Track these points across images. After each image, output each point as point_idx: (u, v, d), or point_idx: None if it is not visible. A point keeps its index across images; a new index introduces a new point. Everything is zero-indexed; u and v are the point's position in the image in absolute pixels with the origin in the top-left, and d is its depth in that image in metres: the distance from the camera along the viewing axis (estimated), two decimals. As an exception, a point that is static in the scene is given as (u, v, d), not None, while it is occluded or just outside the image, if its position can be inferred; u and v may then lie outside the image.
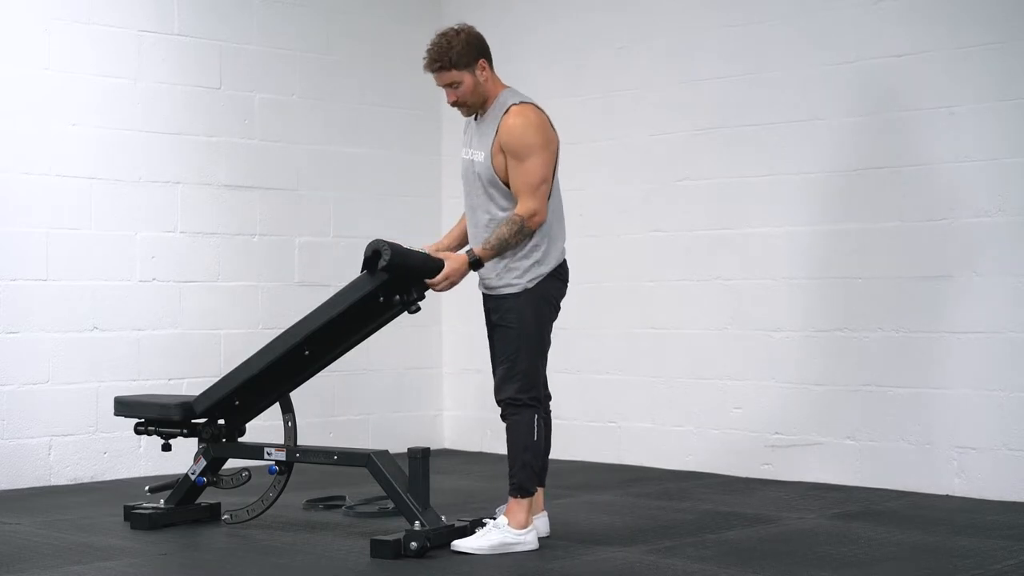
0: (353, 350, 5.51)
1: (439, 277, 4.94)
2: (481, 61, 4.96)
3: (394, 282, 5.03)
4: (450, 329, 8.20)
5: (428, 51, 4.99)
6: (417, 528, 4.91)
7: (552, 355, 5.11)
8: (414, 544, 4.80)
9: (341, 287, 5.29)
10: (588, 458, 7.37)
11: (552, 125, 5.02)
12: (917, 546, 5.01)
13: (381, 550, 4.82)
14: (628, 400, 7.35)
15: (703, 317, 7.12)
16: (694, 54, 7.17)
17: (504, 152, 4.91)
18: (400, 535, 4.85)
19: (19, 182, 6.68)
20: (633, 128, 7.43)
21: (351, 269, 5.46)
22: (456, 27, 5.01)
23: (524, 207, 4.86)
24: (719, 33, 7.07)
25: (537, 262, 4.95)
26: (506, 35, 8.03)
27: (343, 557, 4.87)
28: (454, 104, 5.03)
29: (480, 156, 4.98)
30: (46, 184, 6.75)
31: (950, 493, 6.20)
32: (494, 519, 4.98)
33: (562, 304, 5.11)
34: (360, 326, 5.32)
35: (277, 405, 5.53)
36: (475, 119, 5.07)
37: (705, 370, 7.11)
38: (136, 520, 5.48)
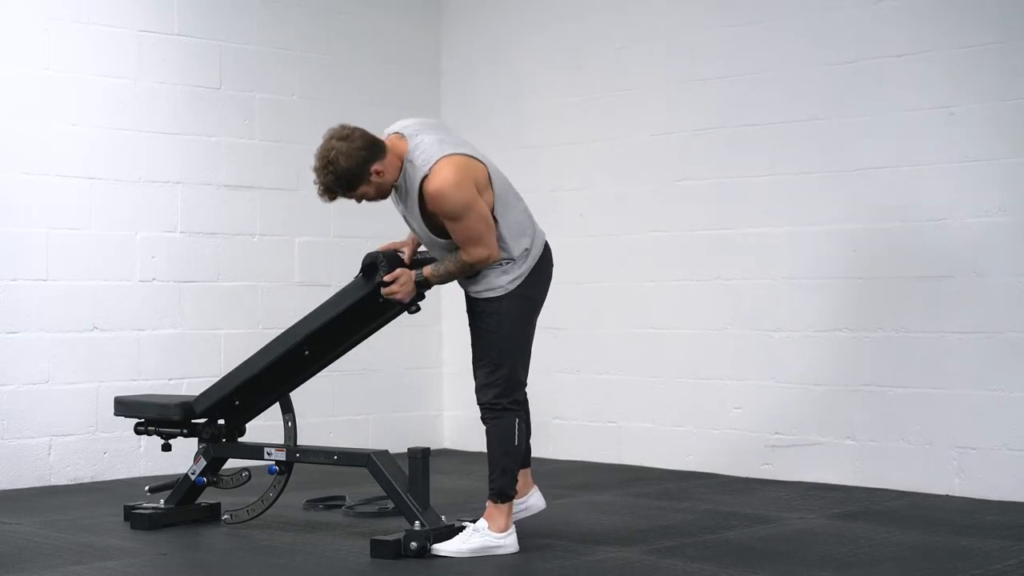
0: (353, 350, 5.52)
1: (391, 287, 4.92)
2: (373, 167, 4.77)
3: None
4: (450, 329, 8.19)
5: (317, 184, 4.80)
6: (417, 528, 4.91)
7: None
8: (414, 544, 4.80)
9: (341, 287, 5.29)
10: (588, 458, 7.37)
11: (469, 157, 4.81)
12: (917, 546, 5.01)
13: (381, 550, 4.82)
14: (628, 400, 7.35)
15: (703, 317, 7.11)
16: (694, 54, 7.17)
17: (438, 215, 4.81)
18: (400, 535, 4.85)
19: (19, 182, 6.68)
20: (633, 128, 7.43)
21: (351, 269, 5.45)
22: (332, 151, 4.75)
23: (471, 255, 4.79)
24: (719, 33, 7.07)
25: (514, 269, 4.89)
26: (505, 35, 8.04)
27: (343, 557, 4.87)
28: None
29: (415, 224, 4.90)
30: (46, 184, 6.75)
31: (950, 493, 6.20)
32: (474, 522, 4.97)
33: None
34: (360, 326, 5.32)
35: (277, 405, 5.53)
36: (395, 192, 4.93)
37: (705, 370, 7.11)
38: (136, 520, 5.48)
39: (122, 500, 5.87)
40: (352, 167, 4.74)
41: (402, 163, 4.83)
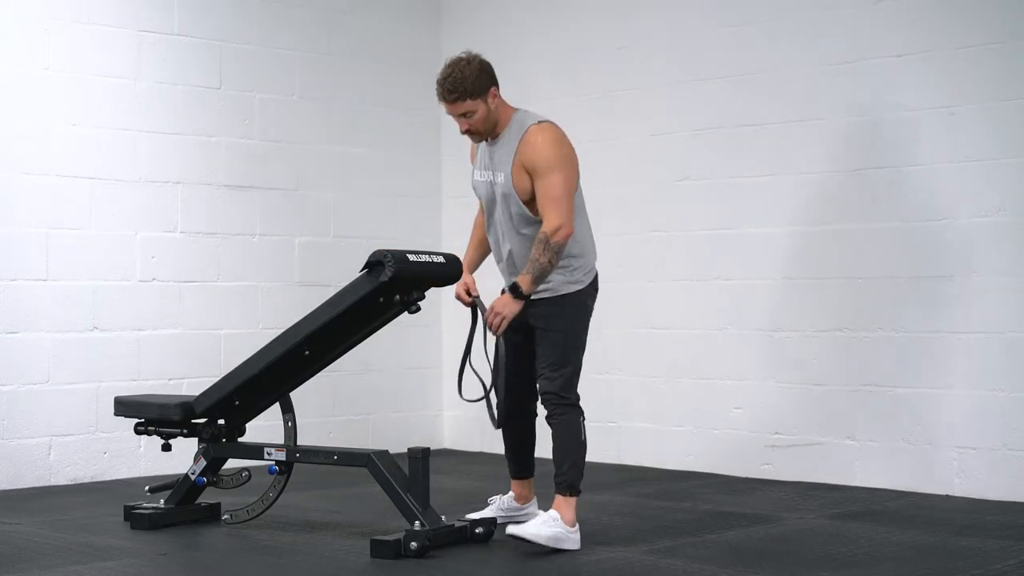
0: (353, 350, 5.52)
1: (494, 316, 4.98)
2: (492, 89, 5.03)
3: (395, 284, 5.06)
4: (450, 329, 8.19)
5: (441, 82, 5.05)
6: (417, 528, 4.91)
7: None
8: (414, 544, 4.80)
9: (341, 287, 5.30)
10: (588, 458, 7.36)
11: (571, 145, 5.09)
12: (917, 546, 5.02)
13: (381, 550, 4.82)
14: (628, 400, 7.36)
15: (703, 317, 7.11)
16: (694, 54, 7.17)
17: (526, 170, 4.98)
18: (400, 535, 4.85)
19: (19, 182, 6.68)
20: (633, 128, 7.43)
21: (351, 269, 5.46)
22: (466, 56, 5.07)
23: (548, 223, 4.91)
24: (719, 33, 7.07)
25: (577, 269, 5.07)
26: (506, 35, 8.03)
27: (343, 557, 4.87)
28: (466, 132, 5.08)
29: (500, 177, 5.05)
30: (46, 184, 6.75)
31: (950, 493, 6.20)
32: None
33: None
34: (360, 326, 5.32)
35: (277, 405, 5.53)
36: (487, 143, 5.11)
37: (705, 370, 7.11)
38: (136, 520, 5.48)
39: (122, 500, 5.87)
40: (481, 72, 5.01)
41: (509, 115, 5.08)
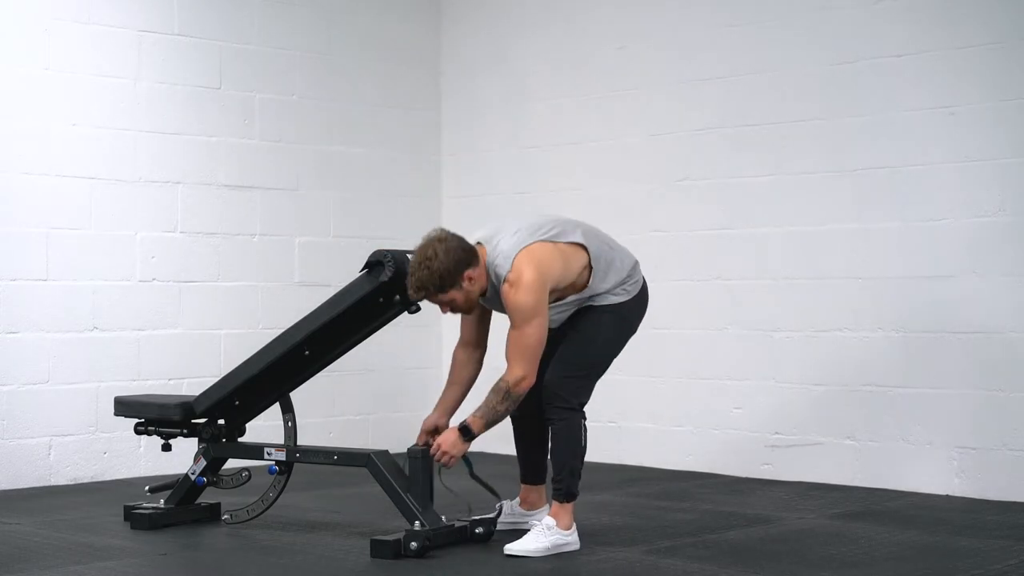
0: (353, 350, 5.51)
1: (433, 447, 4.94)
2: (467, 273, 4.83)
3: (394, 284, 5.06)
4: (450, 329, 8.18)
5: (411, 278, 4.85)
6: (417, 528, 4.91)
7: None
8: (414, 544, 4.80)
9: (341, 287, 5.30)
10: (588, 458, 7.33)
11: (544, 242, 4.89)
12: (917, 546, 5.01)
13: (381, 550, 4.82)
14: (628, 400, 7.35)
15: (703, 317, 7.11)
16: (694, 54, 7.17)
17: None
18: (400, 535, 4.85)
19: (19, 182, 6.68)
20: (633, 128, 7.43)
21: (351, 269, 5.46)
22: (432, 250, 4.80)
23: (512, 373, 4.84)
24: (719, 33, 7.07)
25: (621, 290, 5.05)
26: (506, 35, 8.03)
27: (343, 557, 4.87)
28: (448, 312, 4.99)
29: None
30: (46, 184, 6.75)
31: (950, 493, 6.20)
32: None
33: None
34: (360, 326, 5.32)
35: (277, 405, 5.53)
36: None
37: (705, 370, 7.11)
38: (136, 520, 5.48)
39: (122, 500, 5.86)
40: (449, 267, 4.78)
41: (487, 270, 4.90)
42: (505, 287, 4.82)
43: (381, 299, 5.14)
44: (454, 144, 8.20)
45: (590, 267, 4.97)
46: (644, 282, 5.17)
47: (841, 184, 6.61)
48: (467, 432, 4.89)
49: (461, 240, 4.87)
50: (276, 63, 7.62)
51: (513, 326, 4.84)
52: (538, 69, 7.83)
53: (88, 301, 6.86)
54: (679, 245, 7.21)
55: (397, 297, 5.15)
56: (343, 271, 6.59)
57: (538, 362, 4.87)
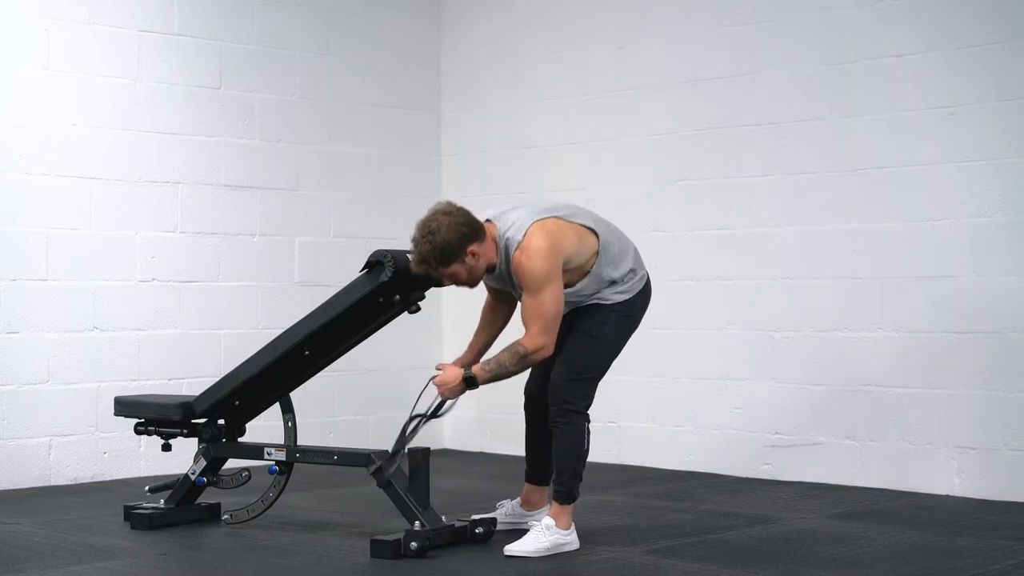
0: (353, 350, 5.52)
1: (438, 380, 4.91)
2: (471, 248, 4.77)
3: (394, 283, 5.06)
4: (450, 329, 8.20)
5: (413, 251, 4.82)
6: (417, 528, 4.91)
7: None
8: (414, 544, 4.80)
9: (341, 287, 5.29)
10: (588, 458, 7.37)
11: (559, 219, 4.86)
12: (917, 546, 5.01)
13: (381, 550, 4.82)
14: (628, 400, 7.35)
15: (703, 317, 7.11)
16: (694, 54, 7.17)
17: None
18: (400, 535, 4.85)
19: (19, 182, 6.68)
20: (633, 128, 7.43)
21: (351, 269, 5.46)
22: (436, 223, 4.74)
23: (531, 341, 4.78)
24: (719, 33, 7.07)
25: (622, 287, 5.00)
26: (506, 34, 8.04)
27: (343, 557, 4.87)
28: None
29: (515, 292, 4.94)
30: (46, 184, 6.75)
31: (950, 493, 6.20)
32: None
33: None
34: (360, 326, 5.32)
35: (277, 405, 5.53)
36: (487, 274, 4.95)
37: (705, 370, 7.11)
38: (136, 520, 5.48)
39: (122, 500, 5.87)
40: (451, 240, 4.73)
41: (497, 243, 4.84)
42: (517, 254, 4.76)
43: (381, 299, 5.14)
44: (454, 144, 8.20)
45: (598, 254, 4.94)
46: (648, 277, 5.14)
47: (841, 184, 6.61)
48: (471, 382, 4.86)
49: (467, 214, 4.81)
50: (276, 63, 7.62)
51: (528, 293, 4.77)
52: (538, 69, 7.84)
53: (88, 301, 6.86)
54: (679, 245, 7.21)
55: (397, 297, 5.15)
56: (343, 271, 6.59)
57: (556, 332, 4.81)
